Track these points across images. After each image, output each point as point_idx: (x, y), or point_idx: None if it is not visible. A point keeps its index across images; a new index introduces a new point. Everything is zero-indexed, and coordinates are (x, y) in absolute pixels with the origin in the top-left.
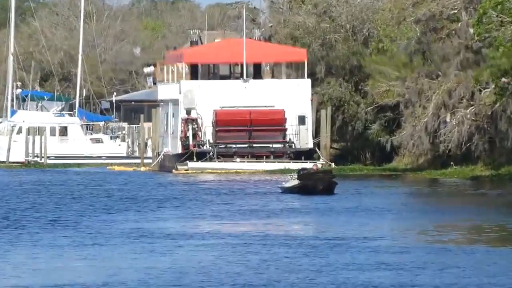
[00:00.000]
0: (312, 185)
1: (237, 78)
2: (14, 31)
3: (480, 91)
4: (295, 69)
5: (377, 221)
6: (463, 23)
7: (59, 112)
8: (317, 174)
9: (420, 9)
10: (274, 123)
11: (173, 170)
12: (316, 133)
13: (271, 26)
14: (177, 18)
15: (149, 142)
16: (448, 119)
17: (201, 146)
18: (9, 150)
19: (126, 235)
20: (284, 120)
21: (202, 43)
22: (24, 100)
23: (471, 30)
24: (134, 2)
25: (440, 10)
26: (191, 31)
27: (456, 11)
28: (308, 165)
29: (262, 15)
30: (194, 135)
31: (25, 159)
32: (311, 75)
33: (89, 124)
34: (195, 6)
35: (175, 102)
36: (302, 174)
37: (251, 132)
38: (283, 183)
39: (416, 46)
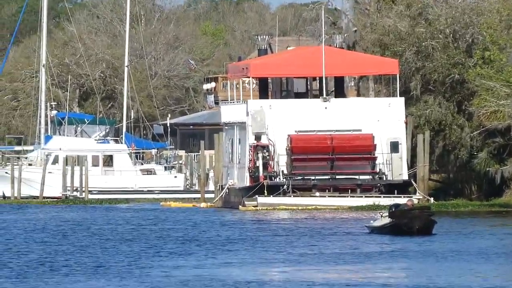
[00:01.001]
0: (407, 224)
1: (315, 96)
2: (47, 37)
3: None
4: (385, 85)
5: (483, 267)
6: None
7: (103, 138)
8: (413, 211)
9: None
10: (361, 150)
11: (240, 207)
12: (412, 163)
13: (356, 30)
14: (242, 21)
15: (211, 174)
16: None
17: (273, 178)
18: (43, 183)
19: (188, 284)
20: (373, 146)
21: (272, 52)
22: (60, 124)
23: None
24: (190, 3)
25: None
26: (259, 37)
27: None
28: (402, 200)
29: (345, 17)
30: (265, 165)
31: (63, 194)
32: (405, 92)
33: (139, 152)
34: (264, 7)
35: (242, 126)
36: (394, 211)
37: (334, 161)
38: (372, 221)
39: None
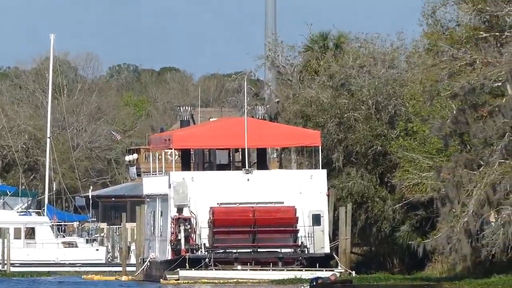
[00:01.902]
0: None
1: (237, 168)
2: None
3: None
4: (307, 156)
5: None
6: (509, 98)
7: (25, 210)
8: (335, 285)
9: (458, 81)
10: (283, 223)
11: (161, 280)
12: (334, 235)
13: (278, 101)
14: (164, 92)
15: (133, 247)
16: (492, 219)
17: (195, 251)
18: None
19: None
20: (295, 219)
21: (194, 123)
22: None
23: None
24: (113, 73)
25: (481, 83)
26: (181, 108)
27: (500, 84)
28: (324, 273)
29: (267, 88)
30: (187, 238)
31: None
32: (327, 164)
33: (61, 225)
34: (186, 77)
35: (164, 198)
36: (316, 285)
37: (256, 234)
38: None
39: (452, 126)
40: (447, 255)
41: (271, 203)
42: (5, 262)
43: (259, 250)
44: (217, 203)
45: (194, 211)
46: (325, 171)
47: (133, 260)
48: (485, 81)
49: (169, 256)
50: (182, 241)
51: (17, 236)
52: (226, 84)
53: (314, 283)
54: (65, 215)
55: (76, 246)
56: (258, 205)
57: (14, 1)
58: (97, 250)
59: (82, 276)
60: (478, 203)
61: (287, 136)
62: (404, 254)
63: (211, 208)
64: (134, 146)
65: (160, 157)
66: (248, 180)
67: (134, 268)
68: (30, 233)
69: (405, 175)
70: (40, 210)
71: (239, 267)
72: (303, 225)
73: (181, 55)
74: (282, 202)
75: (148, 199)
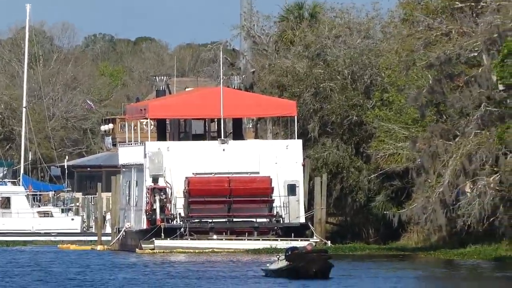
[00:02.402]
0: (304, 268)
1: (213, 137)
2: None
3: (506, 154)
4: (283, 126)
5: None
6: (485, 68)
7: (0, 179)
8: (310, 255)
9: (433, 51)
10: (259, 193)
11: (137, 249)
12: (309, 205)
13: (254, 71)
14: (140, 62)
15: (108, 216)
16: (467, 189)
17: (170, 221)
18: None
19: None
20: (271, 189)
21: (170, 93)
22: None
23: (494, 77)
24: (88, 43)
25: (457, 53)
26: (157, 78)
27: (476, 54)
28: (299, 243)
29: (243, 58)
30: (162, 208)
31: None
32: (303, 134)
33: (37, 194)
34: (162, 47)
35: (139, 168)
36: (291, 254)
37: (231, 204)
38: (268, 264)
39: (428, 96)
40: (422, 225)
41: (247, 173)
42: None
43: (234, 220)
44: (193, 173)
45: (169, 181)
46: (300, 141)
47: (108, 229)
48: (461, 51)
49: (144, 225)
50: (158, 211)
51: None
52: (201, 54)
53: (290, 253)
54: (40, 185)
55: (52, 216)
56: (234, 175)
57: None
58: (72, 219)
59: (58, 246)
60: (453, 173)
61: (263, 106)
62: (379, 224)
63: (186, 178)
64: (110, 116)
65: (135, 127)
66: (223, 150)
67: (109, 238)
68: (6, 202)
69: (380, 145)
70: (15, 180)
71: (214, 236)
72: (279, 195)
73: (157, 25)
74: (258, 172)
75: (123, 169)
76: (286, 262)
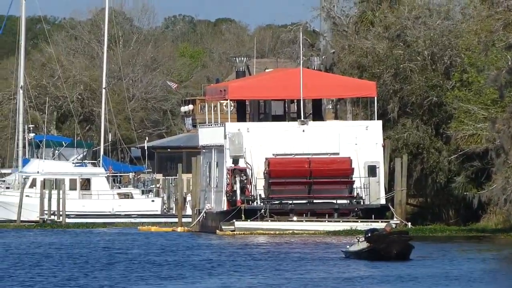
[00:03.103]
0: (385, 249)
1: (293, 118)
2: (25, 59)
3: None
4: (363, 107)
5: None
6: None
7: (81, 161)
8: (391, 236)
9: None
10: (339, 174)
11: (217, 231)
12: (389, 187)
13: (334, 52)
14: (220, 43)
15: (189, 197)
16: None
17: (250, 202)
18: (20, 206)
19: None
20: (351, 170)
21: (250, 74)
22: (38, 147)
23: None
24: (168, 24)
25: None
26: (237, 59)
27: None
28: (380, 225)
29: (323, 39)
30: (243, 189)
31: (40, 218)
32: (383, 115)
33: (117, 176)
34: (242, 28)
35: (220, 149)
36: (372, 236)
37: (311, 185)
38: (348, 246)
39: (508, 77)
40: (502, 206)
41: (327, 154)
42: (61, 213)
43: (314, 201)
44: (273, 154)
45: (249, 162)
46: (380, 122)
47: (188, 211)
48: None
49: (224, 207)
50: (238, 192)
51: (72, 187)
52: (281, 35)
53: (370, 234)
54: (120, 166)
55: (132, 197)
56: (314, 156)
57: None
58: (152, 201)
59: (138, 227)
60: None
61: (342, 87)
62: (459, 206)
63: (266, 159)
64: (190, 97)
65: (215, 108)
66: (303, 131)
67: (189, 219)
68: (86, 184)
69: (460, 126)
70: (95, 161)
71: (294, 218)
72: (359, 176)
73: (237, 6)
74: (338, 153)
75: (203, 150)
76: (367, 243)
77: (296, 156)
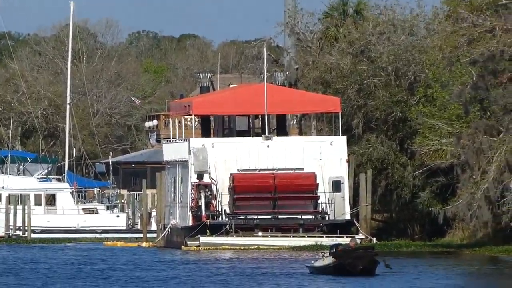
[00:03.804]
0: (351, 264)
1: (257, 134)
2: None
3: None
4: (327, 123)
5: None
6: None
7: (45, 176)
8: (357, 251)
9: (477, 47)
10: (303, 189)
11: (182, 246)
12: (354, 202)
13: (297, 68)
14: (184, 59)
15: (153, 213)
16: None
17: (215, 218)
18: None
19: None
20: (316, 186)
21: (214, 90)
22: (3, 162)
23: None
24: (132, 40)
25: (500, 49)
26: (201, 74)
27: None
28: (345, 240)
29: (287, 55)
30: (208, 204)
31: (6, 233)
32: (347, 130)
33: (82, 191)
34: (205, 44)
35: (184, 164)
36: (338, 251)
37: (276, 201)
38: (313, 261)
39: (472, 93)
40: (467, 222)
41: (291, 169)
42: (26, 228)
43: (279, 216)
44: (237, 170)
45: (214, 178)
46: (345, 137)
47: (153, 226)
48: (505, 48)
49: (190, 222)
50: (203, 208)
51: (37, 202)
52: (245, 50)
53: (334, 250)
54: (85, 182)
55: (97, 213)
56: (278, 171)
57: None
58: (117, 216)
59: (104, 243)
60: (498, 169)
61: (307, 103)
62: (424, 221)
63: (231, 174)
64: (154, 113)
65: (180, 123)
66: (268, 146)
67: (155, 235)
68: (51, 199)
69: (425, 141)
70: (60, 177)
71: (260, 233)
72: (324, 192)
73: (200, 22)
74: (302, 169)
75: (168, 166)
76: (332, 259)
77: (261, 172)
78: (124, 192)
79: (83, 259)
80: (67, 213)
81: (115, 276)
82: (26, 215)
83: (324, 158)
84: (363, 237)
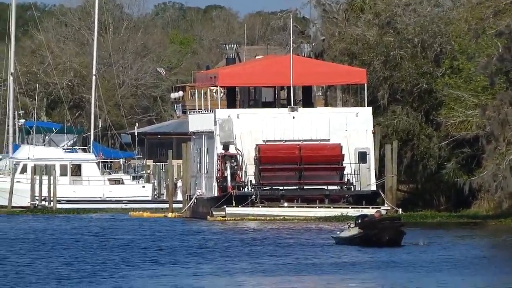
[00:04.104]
0: (377, 235)
1: (283, 105)
2: (15, 46)
3: None
4: (353, 94)
5: (453, 278)
6: None
7: (71, 147)
8: (383, 222)
9: (503, 19)
10: (329, 160)
11: (208, 217)
12: (380, 173)
13: (324, 39)
14: (210, 30)
15: (179, 183)
16: None
17: (241, 188)
18: (11, 192)
19: None
20: (341, 157)
21: (240, 61)
22: (28, 133)
23: None
24: (158, 11)
25: None
26: (227, 46)
27: None
28: (370, 211)
29: (313, 26)
30: (233, 175)
31: (31, 204)
32: (373, 101)
33: (107, 162)
34: (232, 15)
35: (210, 135)
36: (364, 222)
37: (302, 172)
38: (338, 232)
39: (498, 64)
40: (493, 193)
41: (317, 140)
42: (52, 199)
43: (305, 187)
44: (263, 141)
45: (240, 148)
46: (370, 108)
47: (179, 197)
48: None
49: (215, 193)
50: (229, 178)
51: (63, 173)
52: (271, 22)
53: (360, 221)
54: (111, 152)
55: (123, 183)
56: (304, 142)
57: None
58: (143, 187)
59: (130, 213)
60: None
61: (332, 74)
62: (450, 192)
63: (257, 145)
64: (180, 84)
65: (205, 94)
66: (293, 117)
67: (180, 205)
68: (76, 170)
69: (450, 112)
70: (86, 147)
71: (285, 204)
72: (349, 163)
73: None
74: (328, 140)
75: (194, 136)
76: (358, 229)
77: (286, 143)
78: (150, 162)
79: (112, 229)
80: (93, 184)
81: (145, 246)
82: (51, 186)
83: (350, 129)
84: (389, 208)
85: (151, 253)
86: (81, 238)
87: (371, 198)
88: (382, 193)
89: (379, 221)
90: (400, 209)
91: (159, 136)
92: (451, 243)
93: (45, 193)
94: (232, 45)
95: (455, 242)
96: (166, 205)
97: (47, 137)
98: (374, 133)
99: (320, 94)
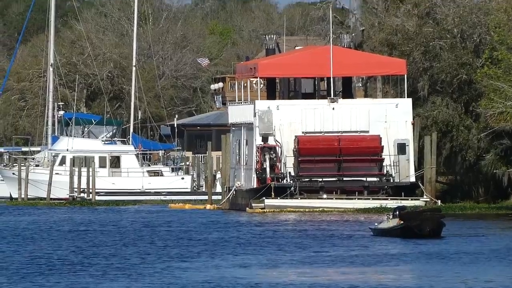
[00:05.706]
0: (418, 227)
1: (323, 96)
2: (54, 36)
3: None
4: (393, 85)
5: (492, 270)
6: None
7: (110, 139)
8: (424, 214)
9: None
10: (369, 152)
11: (247, 209)
12: (419, 165)
13: (363, 30)
14: (249, 20)
15: (218, 175)
16: None
17: (280, 180)
18: (50, 184)
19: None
20: (381, 148)
21: (280, 52)
22: (67, 124)
23: None
24: (197, 2)
25: None
26: (266, 36)
27: None
28: (409, 203)
29: (352, 16)
30: (272, 167)
31: (69, 196)
32: (412, 92)
33: (146, 154)
34: (271, 6)
35: (249, 127)
36: (404, 213)
37: (341, 163)
38: (377, 223)
39: None
40: None
41: (356, 132)
42: (91, 191)
43: (344, 179)
44: (302, 132)
45: (279, 140)
46: (410, 100)
47: (218, 188)
48: None
49: (254, 184)
50: (268, 170)
51: (102, 164)
52: (311, 12)
53: (398, 212)
54: (150, 144)
55: (162, 175)
56: (343, 134)
57: None
58: (182, 178)
59: (169, 205)
60: None
61: (372, 65)
62: (489, 183)
63: (296, 137)
64: (220, 75)
65: (245, 85)
66: (333, 109)
67: (219, 197)
68: (115, 161)
69: (490, 104)
70: (125, 139)
71: (324, 196)
72: (388, 154)
73: None
74: (367, 131)
75: (233, 128)
76: (397, 221)
77: (326, 134)
78: (189, 154)
79: (153, 220)
80: (132, 176)
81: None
82: (90, 178)
83: (389, 121)
84: (428, 199)
85: (196, 244)
86: (130, 229)
87: (410, 190)
88: (421, 185)
89: (420, 213)
90: (439, 201)
91: (198, 127)
92: (491, 234)
93: (84, 185)
94: (272, 36)
95: (496, 233)
96: (205, 197)
97: (86, 129)
98: (413, 124)
99: (360, 85)
